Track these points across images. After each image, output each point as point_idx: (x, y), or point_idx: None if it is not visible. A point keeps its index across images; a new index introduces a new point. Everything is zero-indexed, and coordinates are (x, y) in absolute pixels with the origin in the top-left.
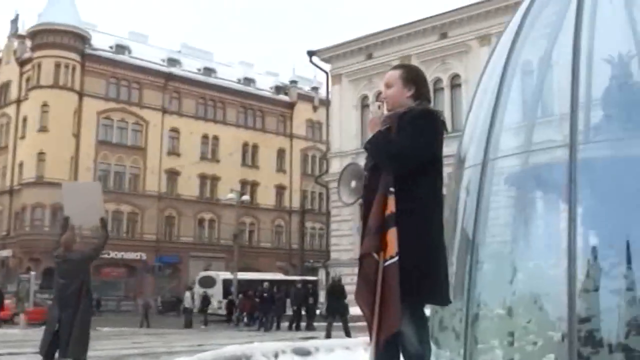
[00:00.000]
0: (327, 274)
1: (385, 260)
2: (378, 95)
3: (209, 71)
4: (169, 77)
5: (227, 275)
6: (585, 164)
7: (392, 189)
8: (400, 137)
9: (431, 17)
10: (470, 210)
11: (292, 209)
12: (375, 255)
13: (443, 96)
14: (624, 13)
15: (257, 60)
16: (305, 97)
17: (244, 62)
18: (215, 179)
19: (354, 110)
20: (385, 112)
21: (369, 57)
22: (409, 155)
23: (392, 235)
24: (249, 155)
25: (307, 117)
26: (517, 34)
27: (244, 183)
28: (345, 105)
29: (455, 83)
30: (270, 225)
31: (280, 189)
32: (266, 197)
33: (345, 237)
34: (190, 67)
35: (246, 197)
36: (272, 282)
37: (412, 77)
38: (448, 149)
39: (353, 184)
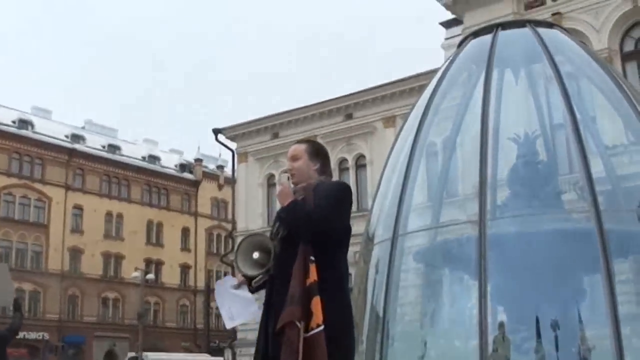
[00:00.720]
0: (234, 354)
1: (311, 330)
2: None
3: (113, 148)
4: (73, 153)
5: (156, 356)
6: (494, 239)
7: (312, 258)
8: (319, 207)
9: (337, 98)
10: (380, 287)
11: (197, 288)
12: (299, 324)
13: (348, 176)
14: (529, 95)
15: (161, 138)
16: (210, 176)
17: (149, 139)
18: (119, 257)
19: (260, 189)
20: (291, 185)
21: (275, 136)
22: (329, 223)
23: (316, 304)
24: (154, 233)
25: (212, 195)
26: (423, 115)
27: (148, 262)
28: (251, 184)
29: (360, 163)
30: (175, 304)
31: (185, 268)
32: (171, 276)
33: None
34: (94, 143)
35: (151, 276)
36: None
37: (317, 151)
38: (355, 227)
39: (256, 255)
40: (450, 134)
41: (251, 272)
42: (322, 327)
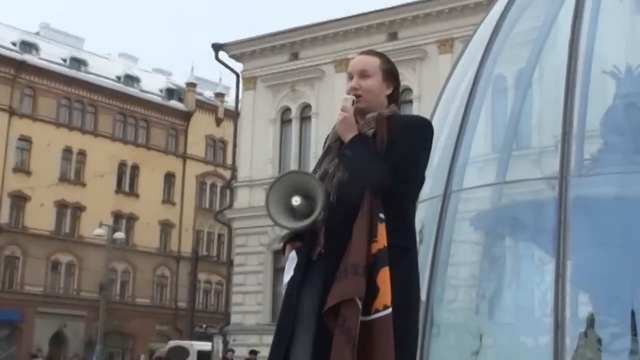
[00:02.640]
0: (226, 343)
1: (375, 312)
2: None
3: (77, 63)
4: (22, 66)
5: (204, 345)
6: (579, 202)
7: (382, 215)
8: (404, 159)
9: (378, 11)
10: (423, 262)
11: (181, 254)
12: (359, 303)
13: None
14: (637, 18)
15: (144, 53)
16: (206, 106)
17: (126, 54)
18: (78, 209)
19: (271, 126)
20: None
21: (294, 57)
22: (413, 176)
23: (384, 277)
24: (127, 179)
25: (208, 133)
26: (490, 39)
27: (117, 216)
28: (260, 119)
29: (405, 99)
30: (151, 275)
31: (166, 227)
32: (147, 236)
33: (251, 295)
34: (51, 55)
35: (120, 235)
36: None
37: (394, 72)
38: None
39: (296, 200)
40: (525, 65)
41: (292, 223)
42: (389, 310)
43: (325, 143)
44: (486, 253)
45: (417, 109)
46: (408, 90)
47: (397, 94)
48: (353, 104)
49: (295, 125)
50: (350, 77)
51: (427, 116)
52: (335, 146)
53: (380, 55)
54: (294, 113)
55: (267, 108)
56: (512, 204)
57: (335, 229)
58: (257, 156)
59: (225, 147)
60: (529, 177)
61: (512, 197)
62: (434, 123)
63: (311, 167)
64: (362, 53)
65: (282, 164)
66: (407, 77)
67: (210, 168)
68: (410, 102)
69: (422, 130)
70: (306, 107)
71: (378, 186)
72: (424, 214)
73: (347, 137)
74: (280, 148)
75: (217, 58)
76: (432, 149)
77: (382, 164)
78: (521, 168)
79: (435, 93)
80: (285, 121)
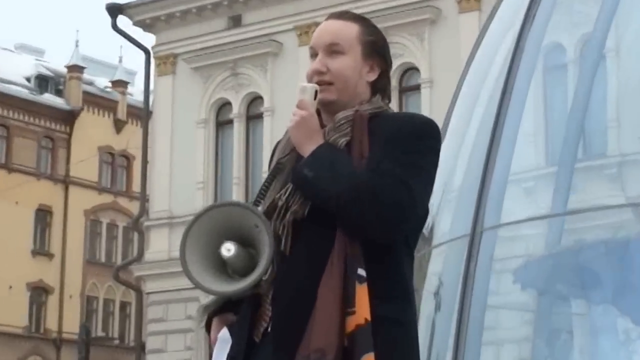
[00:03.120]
0: None
1: None
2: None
3: None
4: None
5: None
6: None
7: (362, 272)
8: (393, 169)
9: None
10: (443, 340)
11: (63, 336)
12: None
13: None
14: None
15: None
16: (99, 102)
17: None
18: None
19: (201, 131)
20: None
21: (236, 23)
22: (414, 218)
23: None
24: None
25: (103, 143)
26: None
27: None
28: (184, 120)
29: (409, 84)
30: None
31: (39, 293)
32: (8, 309)
33: None
34: None
35: None
36: None
37: (381, 45)
38: None
39: (229, 250)
40: (593, 30)
41: (217, 285)
42: None
43: (271, 158)
44: (541, 325)
45: (428, 101)
46: (412, 70)
47: (387, 81)
48: (316, 97)
49: (238, 129)
50: (314, 54)
51: (441, 110)
52: (289, 163)
53: (360, 19)
54: (237, 109)
55: (194, 103)
56: (579, 246)
57: (290, 293)
58: (180, 178)
59: (130, 166)
60: (605, 203)
61: (579, 235)
62: (455, 122)
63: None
64: (331, 17)
65: (220, 190)
66: (409, 49)
67: (106, 199)
68: (417, 88)
69: (423, 136)
70: (255, 99)
71: (361, 227)
72: (440, 265)
73: (307, 148)
74: (217, 165)
75: (114, 27)
76: (445, 163)
77: (365, 191)
78: (592, 189)
79: (456, 74)
80: (222, 123)
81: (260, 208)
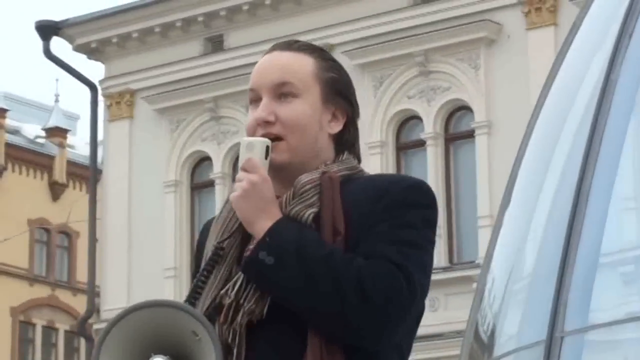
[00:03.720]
0: None
1: None
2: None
3: None
4: None
5: None
6: None
7: None
8: (378, 249)
9: None
10: None
11: None
12: None
13: (389, 159)
14: None
15: None
16: (28, 158)
17: None
18: None
19: (170, 197)
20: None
21: (216, 47)
22: (408, 307)
23: None
24: None
25: (34, 215)
26: None
27: None
28: (147, 182)
29: (458, 130)
30: None
31: None
32: None
33: None
34: None
35: None
36: None
37: (344, 83)
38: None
39: None
40: None
41: None
42: None
43: (200, 242)
44: None
45: (484, 152)
46: (463, 109)
47: (354, 132)
48: (267, 155)
49: (222, 194)
50: (255, 99)
51: (503, 165)
52: (234, 247)
53: (315, 49)
54: (220, 167)
55: (159, 158)
56: None
57: None
58: (143, 263)
59: (73, 246)
60: None
61: None
62: (523, 182)
63: None
64: (276, 47)
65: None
66: (458, 81)
67: (41, 292)
68: (469, 135)
69: (415, 204)
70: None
71: (343, 330)
72: None
73: (260, 225)
74: (192, 244)
75: (47, 53)
76: (511, 241)
77: (350, 283)
78: None
79: (522, 114)
80: (200, 185)
81: (199, 307)
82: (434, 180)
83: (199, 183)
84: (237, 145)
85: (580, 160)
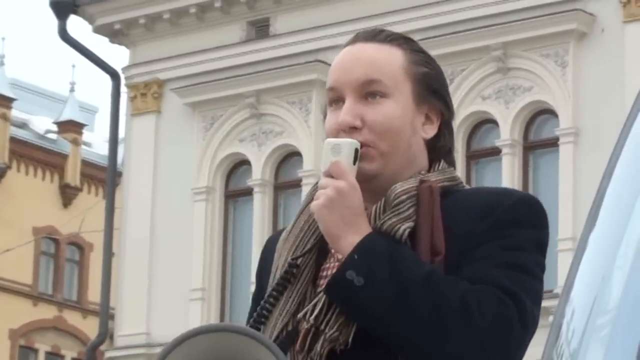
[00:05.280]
0: None
1: None
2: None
3: None
4: None
5: None
6: None
7: None
8: (485, 272)
9: None
10: None
11: None
12: None
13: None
14: None
15: None
16: (35, 155)
17: None
18: None
19: (201, 205)
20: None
21: (261, 33)
22: (519, 341)
23: None
24: None
25: (40, 222)
26: None
27: None
28: (174, 187)
29: (540, 137)
30: None
31: None
32: None
33: None
34: None
35: None
36: None
37: (439, 79)
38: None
39: None
40: None
41: None
42: None
43: (263, 257)
44: None
45: (570, 162)
46: (547, 113)
47: (450, 137)
48: (356, 159)
49: (262, 204)
50: (336, 99)
51: (591, 177)
52: (309, 265)
53: (404, 40)
54: (260, 173)
55: (190, 160)
56: None
57: None
58: (166, 283)
59: (85, 260)
60: None
61: None
62: (614, 197)
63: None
64: (359, 38)
65: (230, 302)
66: (542, 81)
67: (46, 312)
68: (553, 143)
69: (526, 222)
70: (289, 157)
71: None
72: None
73: (347, 240)
74: (225, 261)
75: (62, 34)
76: (595, 267)
77: (455, 312)
78: None
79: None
80: (236, 193)
81: (268, 332)
82: None
83: (234, 191)
84: (280, 148)
85: None
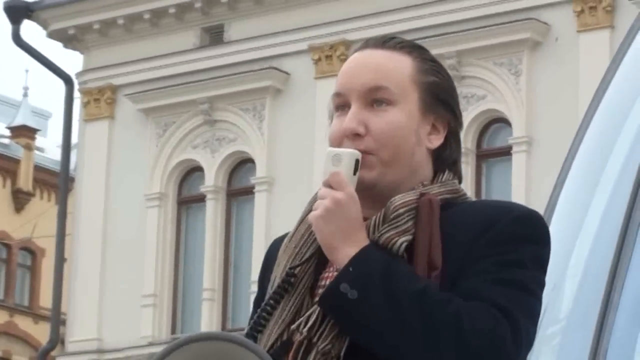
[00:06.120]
0: None
1: None
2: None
3: None
4: None
5: None
6: None
7: None
8: (484, 290)
9: None
10: None
11: None
12: None
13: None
14: None
15: None
16: None
17: None
18: None
19: (153, 212)
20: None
21: (215, 40)
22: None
23: None
24: None
25: None
26: None
27: None
28: (127, 193)
29: (493, 145)
30: None
31: None
32: None
33: None
34: None
35: None
36: None
37: (447, 88)
38: None
39: None
40: None
41: None
42: None
43: (265, 265)
44: None
45: (522, 172)
46: (500, 122)
47: (457, 147)
48: (356, 169)
49: (214, 211)
50: (342, 105)
51: (542, 188)
52: (307, 275)
53: (415, 47)
54: (212, 179)
55: (143, 166)
56: None
57: None
58: (118, 289)
59: (37, 266)
60: None
61: None
62: (565, 207)
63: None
64: (369, 44)
65: (182, 309)
66: (496, 90)
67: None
68: (506, 152)
69: (527, 239)
70: (242, 163)
71: None
72: None
73: (343, 252)
74: (177, 267)
75: (16, 39)
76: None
77: (448, 329)
78: None
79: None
80: (188, 200)
81: (261, 341)
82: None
83: (187, 197)
84: (234, 155)
85: (630, 187)
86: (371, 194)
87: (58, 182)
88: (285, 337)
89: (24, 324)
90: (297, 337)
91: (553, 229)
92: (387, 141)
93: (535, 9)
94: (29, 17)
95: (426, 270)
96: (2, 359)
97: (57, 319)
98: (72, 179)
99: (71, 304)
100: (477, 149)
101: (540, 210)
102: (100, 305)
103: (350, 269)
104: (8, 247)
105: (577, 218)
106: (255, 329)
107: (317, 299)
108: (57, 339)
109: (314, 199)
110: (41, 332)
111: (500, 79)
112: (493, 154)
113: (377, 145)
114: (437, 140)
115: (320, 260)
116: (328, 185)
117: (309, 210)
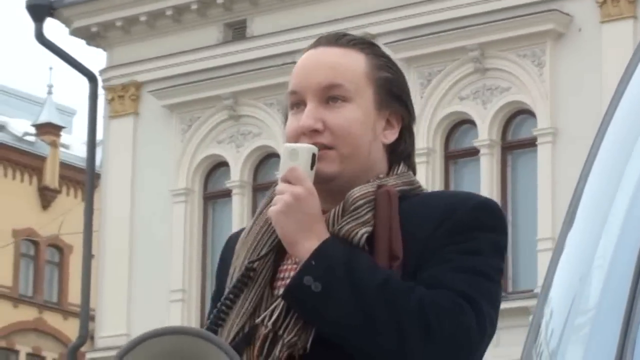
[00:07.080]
0: None
1: None
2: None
3: None
4: None
5: None
6: None
7: None
8: (444, 276)
9: None
10: None
11: None
12: None
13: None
14: None
15: None
16: (13, 157)
17: None
18: None
19: (179, 207)
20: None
21: (238, 35)
22: (476, 346)
23: None
24: None
25: (18, 225)
26: None
27: None
28: (153, 189)
29: (517, 137)
30: None
31: None
32: None
33: None
34: None
35: None
36: None
37: (400, 84)
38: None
39: None
40: None
41: None
42: None
43: (222, 260)
44: None
45: (547, 162)
46: (524, 114)
47: (411, 142)
48: (313, 164)
49: (240, 205)
50: (297, 103)
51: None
52: (266, 268)
53: (367, 44)
54: (238, 174)
55: (168, 162)
56: None
57: None
58: (146, 284)
59: (64, 262)
60: None
61: None
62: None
63: None
64: (322, 42)
65: (209, 303)
66: (519, 81)
67: (26, 314)
68: (531, 144)
69: (484, 227)
70: (267, 158)
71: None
72: None
73: (304, 245)
74: (204, 262)
75: (39, 37)
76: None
77: (412, 318)
78: None
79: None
80: (214, 195)
81: (224, 335)
82: None
83: (213, 192)
84: (259, 149)
85: None
86: (329, 188)
87: (84, 179)
88: (246, 329)
89: (53, 320)
90: (262, 331)
91: (579, 219)
92: (346, 136)
93: (558, 0)
94: (52, 15)
95: (387, 261)
96: (32, 355)
97: (86, 315)
98: (98, 176)
99: (100, 300)
100: (502, 141)
101: (567, 200)
102: (129, 301)
103: (313, 262)
104: (36, 244)
105: (604, 208)
106: (216, 323)
107: (277, 291)
108: (86, 335)
109: (271, 194)
110: (70, 329)
111: (524, 71)
112: (518, 146)
113: (337, 140)
114: (392, 135)
115: (278, 252)
116: (286, 180)
117: (266, 204)
